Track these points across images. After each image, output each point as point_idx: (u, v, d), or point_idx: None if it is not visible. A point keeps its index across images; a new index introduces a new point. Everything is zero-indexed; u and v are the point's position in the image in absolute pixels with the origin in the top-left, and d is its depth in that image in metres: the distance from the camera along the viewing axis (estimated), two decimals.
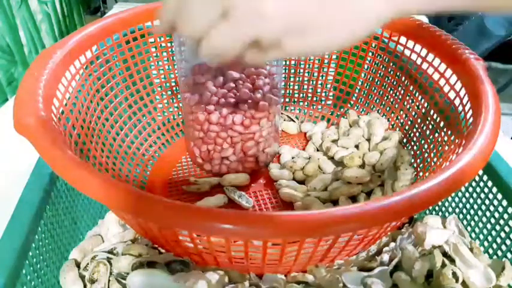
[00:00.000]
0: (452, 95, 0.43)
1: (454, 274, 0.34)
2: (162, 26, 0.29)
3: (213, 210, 0.26)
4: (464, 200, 0.43)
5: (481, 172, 0.41)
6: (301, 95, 0.63)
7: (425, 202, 0.28)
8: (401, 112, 0.53)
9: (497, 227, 0.39)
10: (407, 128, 0.51)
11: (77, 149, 0.39)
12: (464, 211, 0.43)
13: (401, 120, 0.53)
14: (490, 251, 0.40)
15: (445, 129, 0.43)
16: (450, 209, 0.45)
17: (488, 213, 0.40)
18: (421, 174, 0.45)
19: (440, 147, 0.43)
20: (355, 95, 0.60)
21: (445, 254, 0.36)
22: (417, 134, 0.49)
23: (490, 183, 0.40)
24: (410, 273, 0.35)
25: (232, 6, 0.24)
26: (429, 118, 0.47)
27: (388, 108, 0.55)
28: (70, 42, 0.42)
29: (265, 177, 0.52)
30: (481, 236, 0.41)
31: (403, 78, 0.52)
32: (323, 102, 0.62)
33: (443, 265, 0.35)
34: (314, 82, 0.62)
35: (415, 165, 0.47)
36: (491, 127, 0.33)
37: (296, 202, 0.47)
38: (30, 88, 0.35)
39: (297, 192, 0.47)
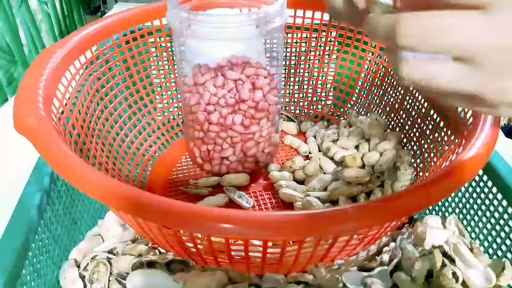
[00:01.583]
0: None
1: (454, 274, 0.34)
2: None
3: (213, 210, 0.26)
4: (464, 200, 0.43)
5: (481, 172, 0.41)
6: (301, 95, 0.63)
7: (425, 202, 0.28)
8: (401, 112, 0.53)
9: (497, 227, 0.39)
10: (407, 128, 0.51)
11: (77, 149, 0.39)
12: (464, 211, 0.43)
13: (401, 120, 0.53)
14: (490, 251, 0.40)
15: (444, 129, 0.43)
16: (450, 209, 0.45)
17: (488, 213, 0.40)
18: (421, 174, 0.45)
19: (440, 147, 0.43)
20: (355, 95, 0.60)
21: (445, 254, 0.36)
22: (417, 134, 0.49)
23: (490, 183, 0.40)
24: (410, 273, 0.35)
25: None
26: (429, 118, 0.47)
27: (388, 108, 0.55)
28: (70, 42, 0.42)
29: (265, 178, 0.52)
30: (481, 236, 0.41)
31: None
32: (323, 102, 0.62)
33: (443, 265, 0.35)
34: (314, 82, 0.62)
35: (415, 165, 0.47)
36: (491, 127, 0.33)
37: (296, 202, 0.47)
38: (30, 88, 0.35)
39: (296, 192, 0.47)
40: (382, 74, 0.56)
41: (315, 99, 0.62)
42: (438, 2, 0.20)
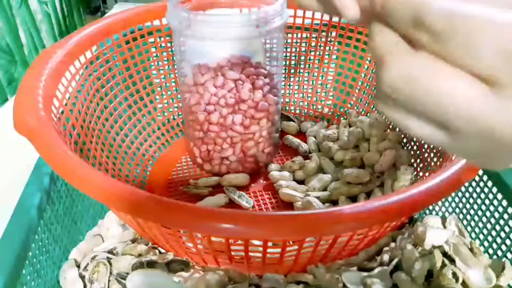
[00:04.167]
0: None
1: (454, 274, 0.34)
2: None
3: (213, 210, 0.26)
4: (464, 200, 0.43)
5: (481, 172, 0.41)
6: (301, 95, 0.63)
7: (425, 202, 0.28)
8: None
9: (497, 227, 0.39)
10: None
11: (77, 149, 0.39)
12: (464, 211, 0.43)
13: None
14: (490, 251, 0.40)
15: None
16: (450, 209, 0.45)
17: (488, 213, 0.40)
18: (421, 174, 0.45)
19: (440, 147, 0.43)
20: (355, 95, 0.60)
21: (445, 254, 0.36)
22: None
23: (490, 183, 0.40)
24: (410, 273, 0.35)
25: None
26: None
27: None
28: (70, 42, 0.42)
29: (265, 178, 0.52)
30: (481, 236, 0.41)
31: None
32: (323, 102, 0.62)
33: (443, 265, 0.35)
34: (314, 82, 0.62)
35: (415, 165, 0.47)
36: None
37: (296, 202, 0.47)
38: (30, 88, 0.35)
39: (296, 192, 0.47)
40: None
41: (315, 99, 0.62)
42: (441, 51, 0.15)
